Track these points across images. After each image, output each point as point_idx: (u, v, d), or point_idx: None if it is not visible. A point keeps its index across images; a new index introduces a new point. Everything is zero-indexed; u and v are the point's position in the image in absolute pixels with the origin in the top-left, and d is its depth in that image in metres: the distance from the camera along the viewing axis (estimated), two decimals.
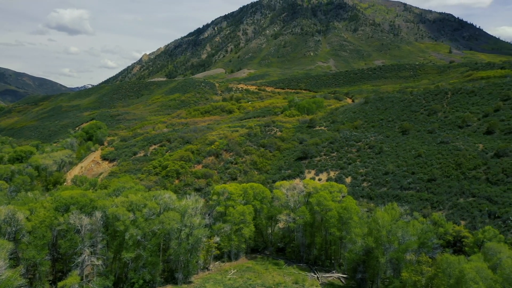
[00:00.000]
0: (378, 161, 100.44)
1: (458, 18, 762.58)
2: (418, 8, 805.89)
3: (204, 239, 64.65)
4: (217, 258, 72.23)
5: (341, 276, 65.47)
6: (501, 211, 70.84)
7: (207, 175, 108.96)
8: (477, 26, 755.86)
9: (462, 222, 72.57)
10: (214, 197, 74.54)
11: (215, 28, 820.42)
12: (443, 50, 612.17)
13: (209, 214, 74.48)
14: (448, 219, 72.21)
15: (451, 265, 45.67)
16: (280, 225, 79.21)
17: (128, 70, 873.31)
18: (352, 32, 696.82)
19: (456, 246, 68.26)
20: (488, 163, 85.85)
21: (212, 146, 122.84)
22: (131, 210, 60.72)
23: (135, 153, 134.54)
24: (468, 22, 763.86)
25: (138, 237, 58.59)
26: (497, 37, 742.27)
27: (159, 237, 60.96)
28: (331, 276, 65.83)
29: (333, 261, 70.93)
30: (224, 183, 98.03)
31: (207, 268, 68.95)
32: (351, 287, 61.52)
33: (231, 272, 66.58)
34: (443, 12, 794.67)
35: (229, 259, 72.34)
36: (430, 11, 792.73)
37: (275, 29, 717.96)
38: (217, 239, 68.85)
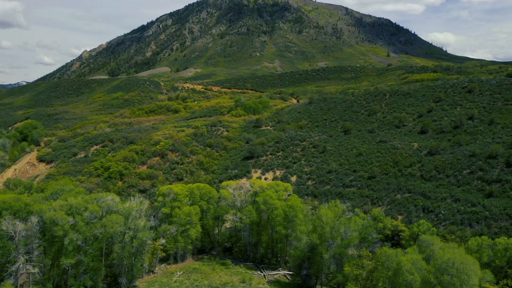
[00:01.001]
0: (322, 160, 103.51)
1: (395, 23, 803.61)
2: (358, 12, 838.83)
3: (149, 241, 63.19)
4: (163, 260, 70.91)
5: (287, 273, 66.80)
6: (433, 206, 75.69)
7: (152, 176, 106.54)
8: (412, 32, 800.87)
9: (399, 217, 76.72)
10: (160, 199, 73.09)
11: (160, 26, 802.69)
12: (382, 53, 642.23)
13: (154, 216, 72.88)
14: (386, 215, 75.96)
15: (389, 258, 48.17)
16: (227, 225, 79.30)
17: (67, 67, 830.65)
18: (297, 33, 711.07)
19: (394, 239, 72.08)
20: (422, 161, 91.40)
21: (157, 146, 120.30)
22: (70, 214, 57.93)
23: (75, 154, 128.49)
24: (404, 27, 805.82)
25: (79, 242, 56.08)
26: (430, 43, 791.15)
27: (102, 241, 58.73)
28: (277, 274, 66.93)
29: (279, 259, 72.14)
30: (170, 184, 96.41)
31: (152, 271, 67.46)
32: (296, 284, 62.93)
33: (177, 274, 65.66)
34: (381, 17, 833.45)
35: (176, 261, 71.27)
36: (370, 16, 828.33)
37: (222, 29, 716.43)
38: (163, 241, 67.59)
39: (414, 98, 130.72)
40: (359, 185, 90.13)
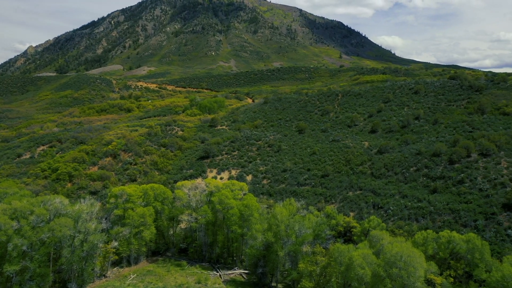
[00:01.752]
0: (277, 159, 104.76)
1: (346, 26, 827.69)
2: (312, 14, 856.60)
3: (100, 244, 61.20)
4: (116, 263, 68.92)
5: (243, 272, 67.07)
6: (383, 202, 78.86)
7: (103, 177, 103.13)
8: (363, 34, 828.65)
9: (351, 214, 79.24)
10: (112, 200, 70.95)
11: (112, 22, 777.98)
12: (335, 55, 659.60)
13: (106, 218, 70.62)
14: (339, 212, 78.24)
15: (342, 253, 49.70)
16: (182, 225, 78.37)
17: (10, 63, 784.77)
18: (252, 33, 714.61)
19: (347, 235, 74.39)
20: (372, 159, 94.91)
21: (109, 146, 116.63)
22: (15, 218, 54.94)
23: (19, 155, 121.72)
24: (355, 30, 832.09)
25: (24, 248, 53.31)
26: (379, 45, 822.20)
27: (49, 246, 56.18)
28: (233, 273, 67.04)
29: (235, 258, 72.28)
30: (122, 185, 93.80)
31: (104, 275, 65.38)
32: (252, 282, 63.34)
33: (131, 277, 64.07)
34: (334, 19, 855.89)
35: (129, 264, 69.51)
36: (323, 18, 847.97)
37: (176, 27, 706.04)
38: (115, 243, 65.68)
39: (365, 99, 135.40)
40: (313, 183, 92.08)
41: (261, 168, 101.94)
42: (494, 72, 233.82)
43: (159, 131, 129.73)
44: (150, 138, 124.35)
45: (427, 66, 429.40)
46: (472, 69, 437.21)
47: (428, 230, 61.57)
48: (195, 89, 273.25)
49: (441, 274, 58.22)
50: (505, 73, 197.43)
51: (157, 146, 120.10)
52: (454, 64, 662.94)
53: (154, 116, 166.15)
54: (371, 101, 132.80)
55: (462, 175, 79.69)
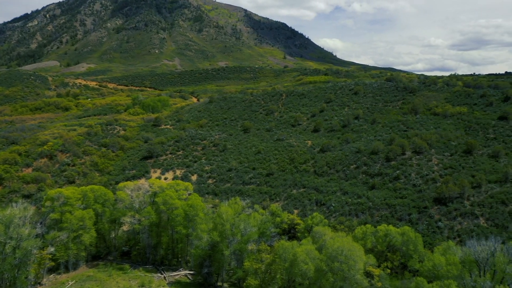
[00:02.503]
0: (222, 159, 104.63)
1: (290, 27, 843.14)
2: (257, 15, 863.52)
3: (35, 251, 57.73)
4: (52, 270, 65.32)
5: (188, 273, 66.34)
6: (325, 199, 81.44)
7: (38, 179, 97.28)
8: (306, 36, 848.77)
9: (295, 211, 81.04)
10: (48, 203, 67.07)
11: (47, 16, 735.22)
12: (279, 55, 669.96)
13: (41, 223, 66.67)
14: (284, 209, 79.73)
15: (286, 250, 50.68)
16: (125, 227, 75.96)
17: None
18: (197, 32, 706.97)
19: (291, 232, 75.99)
20: (315, 157, 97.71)
21: (45, 146, 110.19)
22: None
23: None
24: (299, 32, 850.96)
25: None
26: (321, 47, 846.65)
27: None
28: (178, 274, 66.08)
29: (180, 259, 71.28)
30: (59, 187, 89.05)
31: (39, 283, 61.77)
32: (198, 283, 62.84)
33: (69, 284, 61.05)
34: (278, 21, 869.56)
35: (67, 270, 66.19)
36: (267, 19, 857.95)
37: (118, 23, 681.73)
38: (52, 249, 62.22)
39: (308, 99, 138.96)
40: (258, 182, 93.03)
41: (206, 168, 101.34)
42: (425, 75, 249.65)
43: (100, 131, 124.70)
44: (90, 138, 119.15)
45: (365, 68, 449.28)
46: (406, 71, 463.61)
47: (367, 225, 64.51)
48: (138, 88, 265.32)
49: (379, 266, 61.25)
50: (435, 76, 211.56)
51: (97, 146, 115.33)
52: (390, 66, 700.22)
53: (94, 115, 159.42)
54: (314, 101, 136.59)
55: (398, 171, 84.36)
